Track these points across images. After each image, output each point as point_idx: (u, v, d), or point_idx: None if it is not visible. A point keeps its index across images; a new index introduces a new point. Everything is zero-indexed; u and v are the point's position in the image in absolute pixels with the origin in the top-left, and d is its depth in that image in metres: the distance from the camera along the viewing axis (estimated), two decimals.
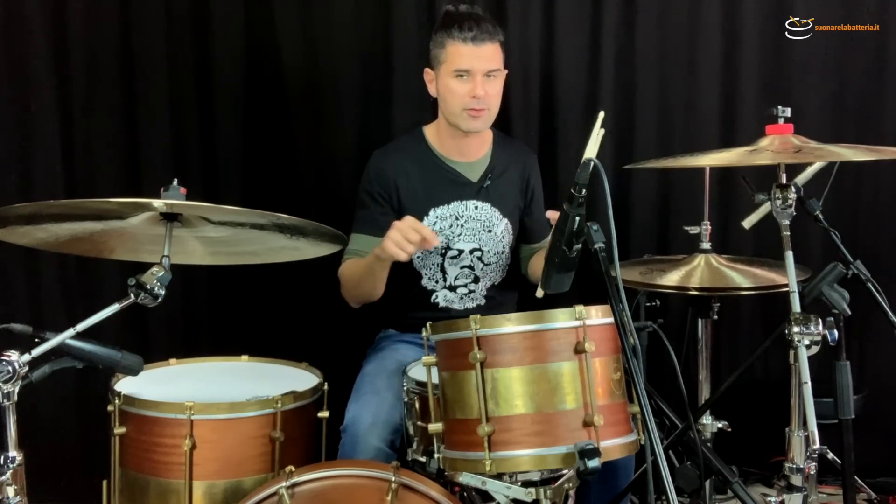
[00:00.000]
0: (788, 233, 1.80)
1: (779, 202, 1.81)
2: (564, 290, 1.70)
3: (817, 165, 2.31)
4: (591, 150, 1.60)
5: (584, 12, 2.89)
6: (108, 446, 1.93)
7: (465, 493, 1.99)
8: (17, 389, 1.47)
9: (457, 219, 2.37)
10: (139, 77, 2.81)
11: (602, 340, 1.61)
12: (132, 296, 1.59)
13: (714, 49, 2.92)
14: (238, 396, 1.89)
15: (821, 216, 1.97)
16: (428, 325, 1.73)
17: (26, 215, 1.69)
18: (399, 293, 2.34)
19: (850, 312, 1.84)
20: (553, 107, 2.90)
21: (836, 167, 2.15)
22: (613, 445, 1.58)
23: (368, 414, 2.04)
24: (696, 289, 2.25)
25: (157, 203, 1.60)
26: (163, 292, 1.60)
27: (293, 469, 1.67)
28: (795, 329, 1.69)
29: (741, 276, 2.26)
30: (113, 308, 1.58)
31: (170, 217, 1.67)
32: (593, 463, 1.50)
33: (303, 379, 2.08)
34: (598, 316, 1.61)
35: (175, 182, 1.64)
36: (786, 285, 1.74)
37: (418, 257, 2.35)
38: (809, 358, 1.68)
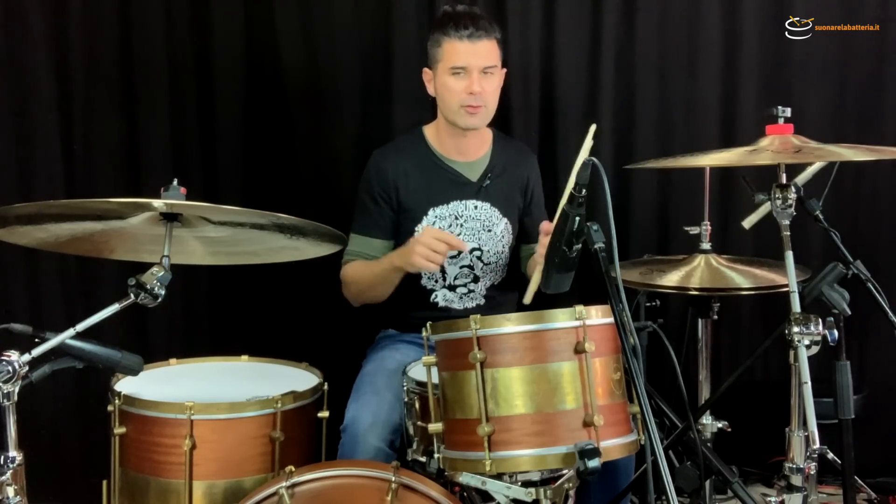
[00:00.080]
0: (788, 233, 1.79)
1: (779, 202, 1.81)
2: (564, 290, 1.70)
3: (817, 165, 2.31)
4: (581, 162, 1.62)
5: (584, 12, 2.89)
6: (108, 446, 1.93)
7: (465, 493, 1.99)
8: (17, 389, 1.47)
9: (456, 218, 2.37)
10: (139, 77, 2.81)
11: (602, 340, 1.61)
12: (132, 296, 1.58)
13: (714, 49, 2.93)
14: (238, 396, 1.89)
15: (821, 216, 1.97)
16: (428, 325, 1.73)
17: (26, 215, 1.69)
18: (399, 293, 2.33)
19: (850, 312, 1.84)
20: (553, 107, 2.90)
21: (836, 167, 2.15)
22: (613, 445, 1.58)
23: (368, 414, 2.04)
24: (696, 289, 2.25)
25: (157, 203, 1.60)
26: (163, 292, 1.60)
27: (293, 469, 1.67)
28: (795, 329, 1.69)
29: (741, 277, 2.26)
30: (113, 308, 1.58)
31: (170, 217, 1.67)
32: (593, 463, 1.49)
33: (303, 379, 2.08)
34: (598, 316, 1.61)
35: (175, 182, 1.64)
36: (786, 285, 1.74)
37: None
38: (809, 358, 1.68)
